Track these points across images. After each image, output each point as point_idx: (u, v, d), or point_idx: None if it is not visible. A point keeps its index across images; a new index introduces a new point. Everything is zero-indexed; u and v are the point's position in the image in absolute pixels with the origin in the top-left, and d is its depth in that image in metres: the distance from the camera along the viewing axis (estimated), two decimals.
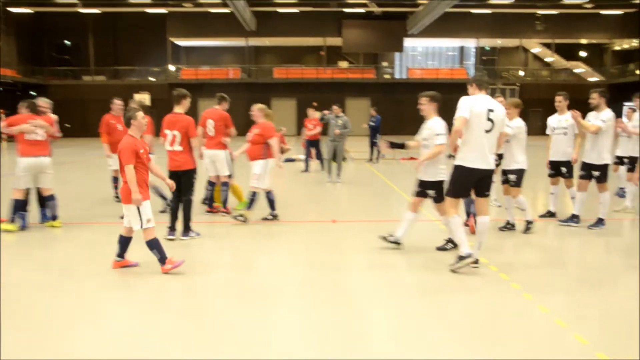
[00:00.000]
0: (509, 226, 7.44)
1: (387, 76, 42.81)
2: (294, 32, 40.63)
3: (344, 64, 43.24)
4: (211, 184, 8.59)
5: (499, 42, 43.81)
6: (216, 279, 5.41)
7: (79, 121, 35.77)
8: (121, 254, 5.60)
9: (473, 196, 5.76)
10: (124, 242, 5.57)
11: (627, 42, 42.03)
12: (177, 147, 6.72)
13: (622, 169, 9.52)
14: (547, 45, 42.61)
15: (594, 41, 43.23)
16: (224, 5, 33.61)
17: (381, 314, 4.48)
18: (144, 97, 38.51)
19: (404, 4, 37.84)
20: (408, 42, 42.31)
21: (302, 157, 17.91)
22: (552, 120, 8.09)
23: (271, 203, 8.08)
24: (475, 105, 5.40)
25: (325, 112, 16.83)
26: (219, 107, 8.61)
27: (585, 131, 7.45)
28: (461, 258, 5.48)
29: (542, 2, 37.29)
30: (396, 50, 43.27)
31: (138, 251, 5.69)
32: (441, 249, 6.35)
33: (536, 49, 44.49)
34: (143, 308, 4.60)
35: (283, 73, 41.59)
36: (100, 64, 42.01)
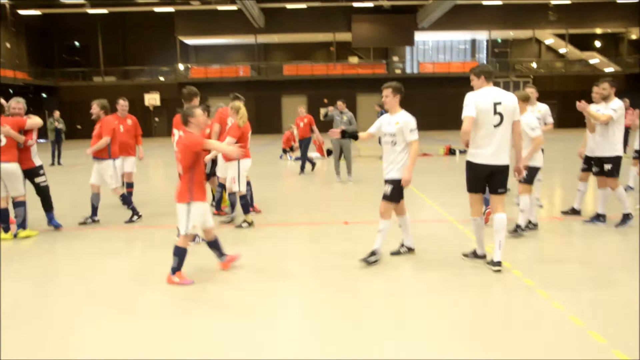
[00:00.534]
0: (530, 225, 7.03)
1: (398, 71, 42.39)
2: (303, 28, 40.37)
3: (354, 60, 43.02)
4: (221, 185, 8.31)
5: (511, 33, 43.22)
6: (244, 290, 5.13)
7: (90, 122, 35.46)
8: (177, 267, 5.18)
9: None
10: (179, 254, 5.17)
11: None
12: None
13: None
14: (561, 36, 41.89)
15: (609, 30, 42.50)
16: (232, 2, 33.67)
17: (394, 314, 4.34)
18: (154, 97, 38.78)
19: None
20: (419, 36, 41.89)
21: (314, 155, 17.85)
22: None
23: (243, 207, 7.70)
24: (480, 100, 5.24)
25: (330, 108, 16.46)
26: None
27: (595, 122, 6.99)
28: (476, 255, 5.65)
29: None
30: (407, 45, 42.98)
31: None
32: (396, 253, 5.96)
33: (549, 40, 43.85)
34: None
35: (293, 70, 41.39)
36: (110, 65, 42.17)
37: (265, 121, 38.63)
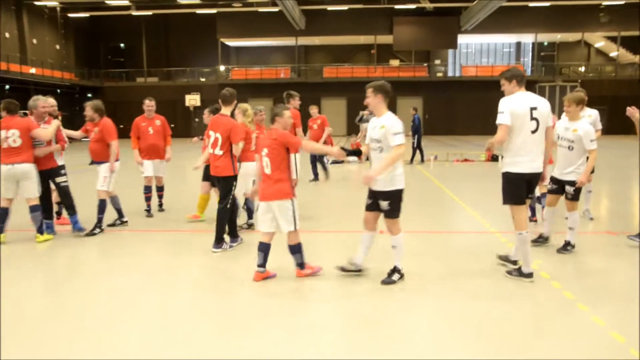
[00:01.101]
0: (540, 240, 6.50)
1: (439, 74, 42.04)
2: (344, 31, 40.35)
3: (395, 62, 42.68)
4: None
5: (558, 36, 42.02)
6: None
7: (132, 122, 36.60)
8: (302, 262, 5.36)
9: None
10: (298, 250, 5.33)
11: None
12: (218, 151, 6.34)
13: None
14: (612, 39, 40.41)
15: None
16: (273, 4, 33.73)
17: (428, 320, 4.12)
18: (195, 98, 39.31)
19: None
20: (462, 39, 41.45)
21: (352, 159, 17.30)
22: None
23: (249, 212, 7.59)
24: (515, 106, 5.03)
25: (365, 112, 15.83)
26: (288, 105, 8.30)
27: None
28: (521, 274, 5.25)
29: None
30: (449, 48, 42.48)
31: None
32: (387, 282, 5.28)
33: (600, 43, 42.42)
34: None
35: (333, 72, 41.42)
36: (153, 66, 43.14)
37: (305, 123, 38.46)
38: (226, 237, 6.56)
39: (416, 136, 17.08)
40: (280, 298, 4.82)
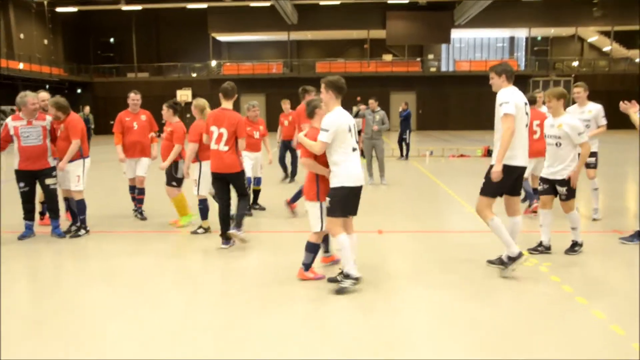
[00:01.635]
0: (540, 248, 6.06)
1: (433, 69, 41.78)
2: (337, 25, 40.07)
3: (388, 57, 42.41)
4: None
5: (552, 31, 41.84)
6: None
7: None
8: (309, 263, 5.23)
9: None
10: (312, 250, 5.23)
11: None
12: (223, 147, 6.16)
13: None
14: (606, 33, 40.40)
15: None
16: None
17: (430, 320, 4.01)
18: (186, 94, 38.97)
19: None
20: (455, 33, 41.24)
21: None
22: None
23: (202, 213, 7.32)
24: (517, 98, 5.14)
25: (362, 106, 15.65)
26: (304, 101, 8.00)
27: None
28: (511, 259, 5.15)
29: None
30: (442, 42, 42.25)
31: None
32: (333, 280, 5.07)
33: (593, 38, 42.39)
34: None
35: (326, 67, 41.03)
36: (144, 61, 42.83)
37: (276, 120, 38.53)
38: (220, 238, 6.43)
39: (407, 131, 17.02)
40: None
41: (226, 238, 6.40)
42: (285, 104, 12.41)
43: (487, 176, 5.24)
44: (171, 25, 43.11)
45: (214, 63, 42.01)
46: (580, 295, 4.62)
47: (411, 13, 39.53)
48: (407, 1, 38.45)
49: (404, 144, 17.08)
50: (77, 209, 7.19)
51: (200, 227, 7.20)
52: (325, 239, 5.49)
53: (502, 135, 5.02)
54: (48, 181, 6.94)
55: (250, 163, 8.29)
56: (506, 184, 5.21)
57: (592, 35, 41.88)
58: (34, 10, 37.28)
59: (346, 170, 4.88)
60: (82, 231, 7.15)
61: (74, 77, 39.92)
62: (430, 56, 43.09)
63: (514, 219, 5.39)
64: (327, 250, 5.61)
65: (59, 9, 38.74)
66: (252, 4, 38.02)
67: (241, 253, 6.21)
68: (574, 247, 5.91)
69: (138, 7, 39.10)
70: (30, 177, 6.86)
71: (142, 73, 42.31)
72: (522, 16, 38.87)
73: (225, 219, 6.38)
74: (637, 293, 4.59)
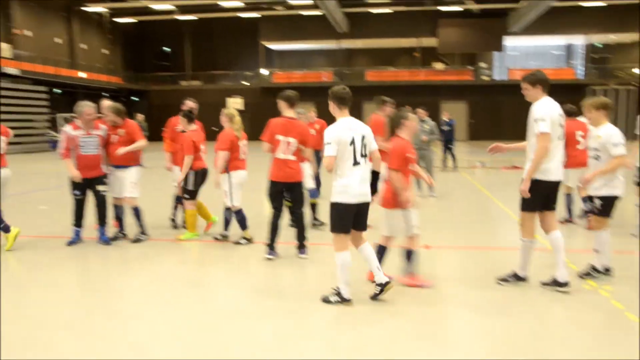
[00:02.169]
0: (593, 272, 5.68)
1: (485, 78, 41.57)
2: (387, 33, 40.40)
3: (439, 66, 42.56)
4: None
5: (612, 37, 40.49)
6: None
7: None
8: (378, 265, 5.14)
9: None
10: (381, 253, 5.31)
11: None
12: (291, 157, 6.21)
13: None
14: None
15: None
16: (315, 7, 34.35)
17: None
18: (237, 101, 39.97)
19: (504, 0, 36.66)
20: (508, 41, 40.75)
21: None
22: None
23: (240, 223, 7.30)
24: (552, 112, 4.98)
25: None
26: (380, 112, 8.05)
27: None
28: (560, 284, 5.11)
29: None
30: (495, 50, 41.83)
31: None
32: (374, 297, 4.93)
33: None
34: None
35: (376, 76, 41.69)
36: (197, 69, 44.58)
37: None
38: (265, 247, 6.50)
39: (452, 141, 16.71)
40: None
41: (272, 248, 6.42)
42: (310, 112, 11.19)
43: (530, 194, 5.11)
44: (224, 35, 44.43)
45: (265, 71, 43.14)
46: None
47: (463, 20, 39.40)
48: (459, 9, 38.31)
49: (449, 154, 16.77)
50: (134, 216, 7.35)
51: (242, 237, 7.23)
52: (382, 253, 5.35)
53: (537, 152, 4.90)
54: (99, 187, 7.14)
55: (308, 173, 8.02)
56: (542, 198, 5.08)
57: None
58: (95, 22, 39.63)
59: (343, 186, 4.77)
60: (143, 236, 7.38)
61: (131, 85, 42.03)
62: (483, 64, 42.81)
63: (554, 234, 5.16)
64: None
65: (118, 20, 41.11)
66: (303, 13, 39.00)
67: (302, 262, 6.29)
68: (590, 271, 5.50)
69: (192, 17, 41.01)
70: (86, 185, 7.08)
71: (195, 81, 43.91)
72: (580, 22, 37.96)
73: (275, 230, 6.36)
74: None
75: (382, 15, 39.50)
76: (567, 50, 43.83)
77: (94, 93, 34.85)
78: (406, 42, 42.15)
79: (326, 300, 4.86)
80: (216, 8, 38.55)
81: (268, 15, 40.37)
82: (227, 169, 7.02)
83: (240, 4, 37.69)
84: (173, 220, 8.41)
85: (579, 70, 41.70)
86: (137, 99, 41.76)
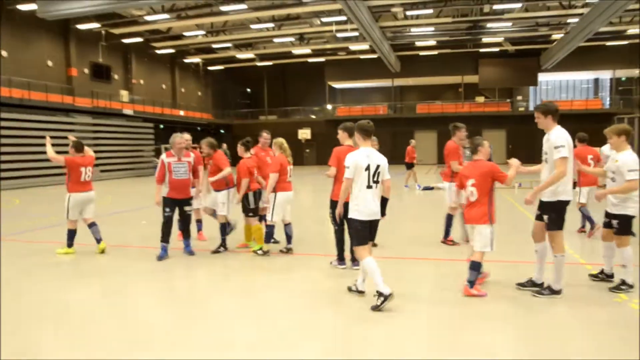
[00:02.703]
0: (601, 276, 6.04)
1: (521, 109, 42.89)
2: (434, 72, 42.86)
3: (480, 99, 44.43)
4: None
5: (637, 72, 41.53)
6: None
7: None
8: (474, 280, 5.42)
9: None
10: (476, 268, 5.39)
11: None
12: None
13: None
14: None
15: None
16: (372, 51, 37.03)
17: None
18: (306, 132, 43.97)
19: (536, 42, 38.62)
20: (541, 77, 42.59)
21: (441, 185, 18.18)
22: None
23: (268, 236, 7.65)
24: (569, 139, 5.16)
25: None
26: (454, 138, 8.07)
27: None
28: (553, 291, 5.30)
29: None
30: (530, 85, 43.82)
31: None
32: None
33: None
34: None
35: (425, 108, 43.97)
36: (273, 106, 48.56)
37: (400, 154, 41.08)
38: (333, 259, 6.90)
39: None
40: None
41: (341, 258, 6.71)
42: (374, 141, 10.44)
43: (549, 212, 5.24)
44: (295, 76, 48.57)
45: (329, 106, 46.39)
46: None
47: (501, 60, 41.92)
48: (497, 49, 40.75)
49: None
50: (220, 230, 7.85)
51: (260, 248, 7.57)
52: (477, 268, 5.43)
53: (556, 175, 5.04)
54: (186, 208, 7.70)
55: None
56: (565, 217, 5.21)
57: None
58: (192, 70, 44.55)
59: (357, 204, 5.05)
60: (222, 248, 7.84)
61: (219, 120, 46.20)
62: (519, 97, 44.76)
63: (544, 244, 5.38)
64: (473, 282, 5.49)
65: (209, 68, 46.04)
66: (362, 57, 41.74)
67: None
68: (620, 286, 5.57)
69: (269, 63, 45.26)
70: (175, 204, 7.53)
71: (271, 116, 48.08)
72: (606, 59, 39.40)
73: (340, 243, 6.60)
74: None
75: (430, 57, 42.03)
76: (594, 83, 45.28)
77: (189, 127, 39.11)
78: (451, 79, 44.28)
79: (376, 308, 4.95)
80: (289, 55, 42.26)
81: (332, 59, 43.41)
82: (274, 189, 7.34)
83: (309, 51, 40.78)
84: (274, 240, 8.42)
85: (606, 100, 43.40)
86: (223, 131, 45.10)
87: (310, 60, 44.12)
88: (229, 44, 39.60)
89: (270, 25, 33.41)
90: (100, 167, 30.50)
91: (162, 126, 37.71)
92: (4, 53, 26.38)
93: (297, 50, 40.30)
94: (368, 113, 44.43)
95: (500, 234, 5.92)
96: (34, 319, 5.17)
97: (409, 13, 30.98)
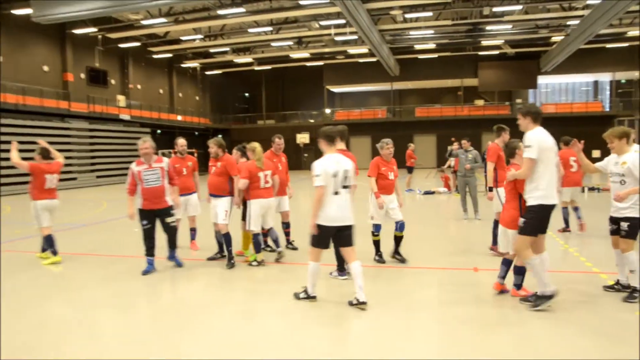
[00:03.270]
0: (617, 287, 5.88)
1: None
2: (434, 76, 42.87)
3: (479, 102, 44.33)
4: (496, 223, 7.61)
5: (636, 74, 41.53)
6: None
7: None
8: (520, 283, 5.60)
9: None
10: (521, 272, 5.54)
11: None
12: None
13: None
14: None
15: None
16: (371, 55, 36.98)
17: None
18: (304, 137, 43.61)
19: (536, 44, 38.66)
20: (541, 79, 42.64)
21: (442, 189, 18.47)
22: None
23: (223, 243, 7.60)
24: (543, 139, 5.07)
25: (454, 146, 16.64)
26: (497, 140, 7.97)
27: None
28: (545, 297, 5.19)
29: None
30: (530, 88, 43.89)
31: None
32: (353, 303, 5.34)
33: None
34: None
35: (424, 112, 44.01)
36: (270, 110, 48.81)
37: (400, 158, 41.27)
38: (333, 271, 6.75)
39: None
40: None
41: (341, 269, 6.57)
42: (411, 147, 12.08)
43: (526, 216, 5.16)
44: (293, 80, 48.59)
45: (328, 110, 46.41)
46: None
47: (501, 62, 41.86)
48: (496, 52, 40.48)
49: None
50: (224, 241, 7.40)
51: (255, 259, 7.39)
52: (507, 267, 5.62)
53: (520, 172, 5.15)
54: (168, 220, 7.16)
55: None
56: (546, 222, 5.13)
57: None
58: (189, 75, 44.55)
59: (324, 211, 5.12)
60: (232, 261, 7.38)
61: (217, 124, 46.22)
62: (519, 100, 44.46)
63: (544, 255, 5.27)
64: (502, 277, 5.69)
65: (207, 72, 46.01)
66: (361, 60, 41.57)
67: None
68: (633, 293, 5.47)
69: (267, 67, 45.08)
70: (152, 216, 7.04)
71: (269, 120, 48.03)
72: (606, 62, 39.42)
73: (339, 253, 6.37)
74: None
75: (429, 60, 41.81)
76: (594, 86, 45.28)
77: (187, 132, 39.67)
78: (450, 82, 44.28)
79: (297, 296, 5.43)
80: (287, 59, 42.04)
81: (330, 63, 43.32)
82: (249, 197, 7.16)
83: (307, 55, 40.47)
84: (287, 243, 8.64)
85: (606, 103, 43.41)
86: (221, 136, 43.27)
87: (309, 64, 44.14)
88: (226, 48, 39.62)
89: (269, 29, 33.32)
90: (97, 173, 30.39)
91: (159, 131, 37.59)
92: (0, 58, 26.11)
93: (295, 54, 40.36)
94: (367, 117, 44.79)
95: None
96: (21, 332, 5.08)
97: (408, 16, 30.86)
